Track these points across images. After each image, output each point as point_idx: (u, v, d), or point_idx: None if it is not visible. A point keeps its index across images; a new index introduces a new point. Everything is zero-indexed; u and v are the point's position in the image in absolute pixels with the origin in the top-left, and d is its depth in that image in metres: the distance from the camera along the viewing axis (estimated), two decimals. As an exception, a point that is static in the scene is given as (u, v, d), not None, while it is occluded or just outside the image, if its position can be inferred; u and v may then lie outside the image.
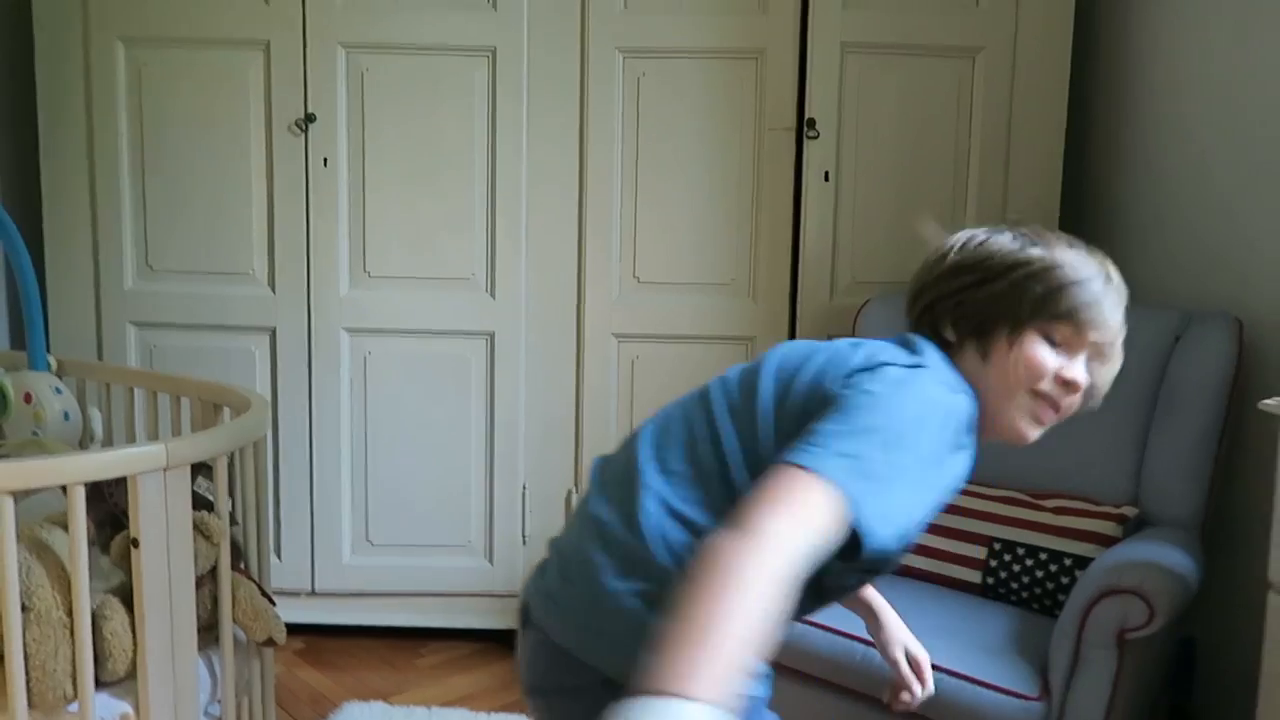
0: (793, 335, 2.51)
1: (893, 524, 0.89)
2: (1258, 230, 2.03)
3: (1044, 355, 1.07)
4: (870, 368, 1.01)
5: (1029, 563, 1.92)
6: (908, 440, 0.93)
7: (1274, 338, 1.96)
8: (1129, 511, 1.91)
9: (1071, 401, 1.09)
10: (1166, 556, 1.66)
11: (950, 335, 1.10)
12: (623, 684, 0.80)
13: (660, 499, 1.01)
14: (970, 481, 2.09)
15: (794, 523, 0.83)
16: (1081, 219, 2.60)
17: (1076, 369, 1.08)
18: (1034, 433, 1.09)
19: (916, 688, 1.26)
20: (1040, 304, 1.07)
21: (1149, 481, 1.95)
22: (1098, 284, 1.11)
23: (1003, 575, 1.94)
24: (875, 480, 0.88)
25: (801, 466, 0.86)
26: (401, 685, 2.39)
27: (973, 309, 1.10)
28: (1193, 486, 1.91)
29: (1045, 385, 1.07)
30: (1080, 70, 2.49)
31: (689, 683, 0.75)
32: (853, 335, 2.33)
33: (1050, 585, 1.89)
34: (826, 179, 2.46)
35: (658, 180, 2.46)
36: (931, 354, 1.08)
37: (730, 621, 0.77)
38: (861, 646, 1.70)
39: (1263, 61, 2.03)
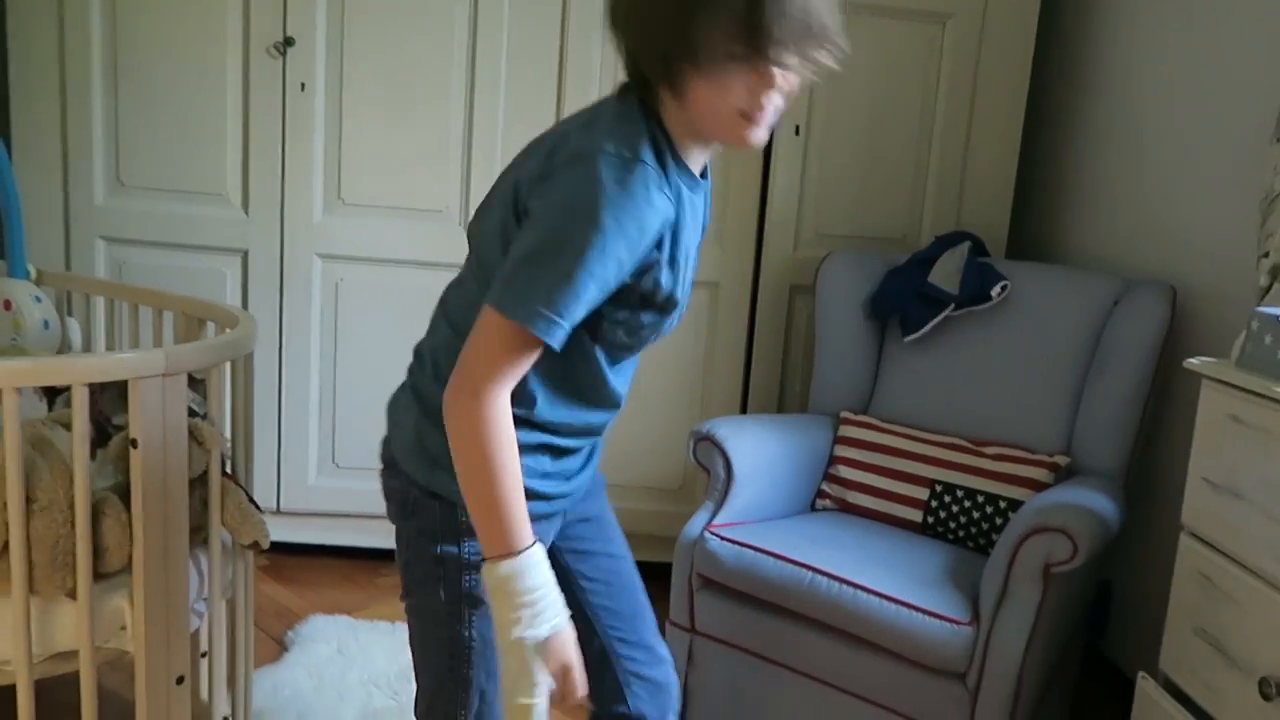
0: (756, 283, 2.61)
1: (551, 306, 1.01)
2: (1195, 204, 2.17)
3: (737, 81, 1.03)
4: (544, 176, 1.06)
5: (967, 504, 2.06)
6: (564, 251, 1.01)
7: (1205, 305, 2.11)
8: (1061, 460, 2.06)
9: (774, 116, 1.07)
10: (1092, 500, 1.81)
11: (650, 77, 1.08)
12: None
13: (443, 303, 1.25)
14: (916, 427, 2.23)
15: (496, 371, 1.04)
16: (1033, 185, 2.74)
17: (774, 89, 1.04)
18: (757, 135, 1.07)
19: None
20: (726, 28, 1.01)
21: (1081, 434, 2.10)
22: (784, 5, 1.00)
23: (942, 515, 2.08)
24: (531, 290, 1.02)
25: (490, 306, 1.04)
26: (363, 602, 2.48)
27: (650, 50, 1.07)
28: (1120, 440, 2.06)
29: (748, 109, 1.05)
30: (1043, 42, 2.60)
31: (501, 546, 1.04)
32: (814, 288, 2.44)
33: (985, 525, 2.04)
34: (797, 133, 2.54)
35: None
36: (613, 123, 1.07)
37: (496, 486, 1.03)
38: (809, 573, 1.83)
39: (1206, 46, 2.16)
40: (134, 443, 1.40)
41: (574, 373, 1.16)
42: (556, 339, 1.03)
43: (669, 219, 1.07)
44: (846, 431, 2.24)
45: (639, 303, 1.11)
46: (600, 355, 1.16)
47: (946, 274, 2.32)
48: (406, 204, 2.55)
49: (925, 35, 2.54)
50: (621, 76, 1.13)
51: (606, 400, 1.21)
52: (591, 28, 2.47)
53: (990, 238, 2.54)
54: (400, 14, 2.47)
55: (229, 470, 1.68)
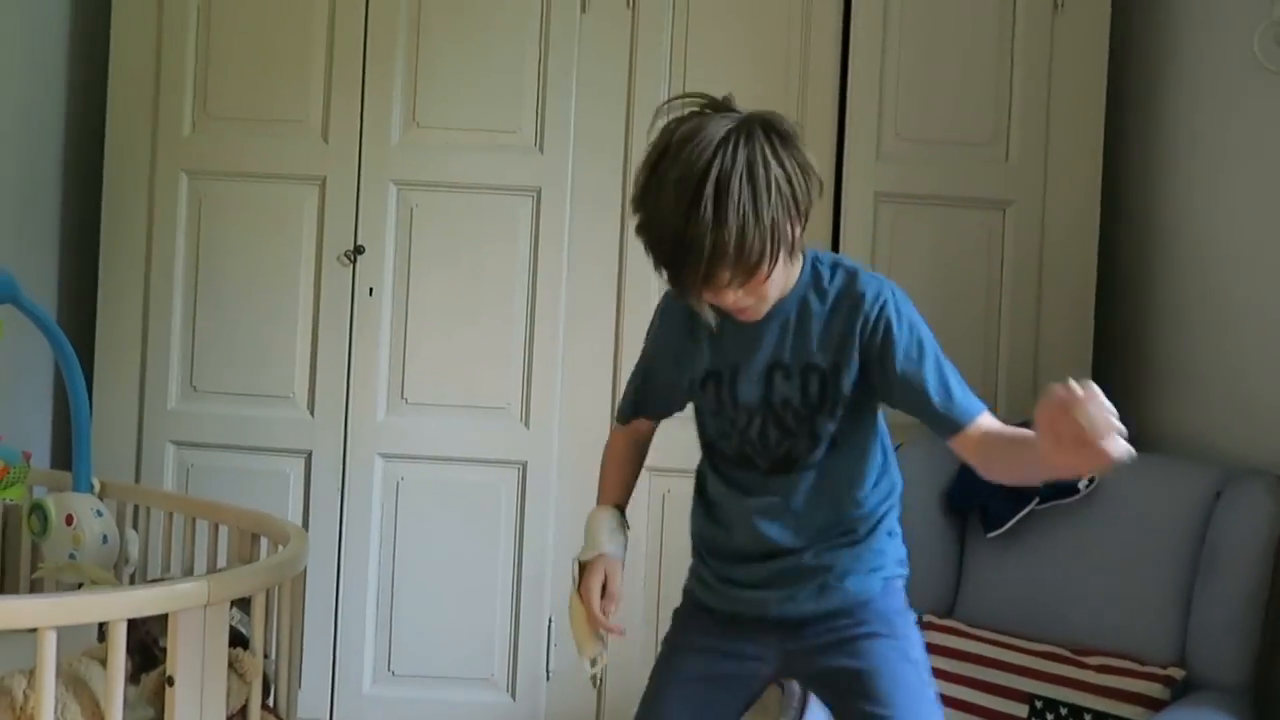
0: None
1: (628, 399, 1.51)
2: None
3: (703, 299, 1.26)
4: None
5: (1072, 724, 1.86)
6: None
7: (1316, 497, 1.94)
8: (1175, 673, 1.87)
9: (740, 304, 1.25)
10: (1217, 726, 1.61)
11: None
12: None
13: None
14: (1007, 633, 2.05)
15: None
16: (1114, 369, 2.62)
17: (723, 298, 1.22)
18: (756, 316, 1.29)
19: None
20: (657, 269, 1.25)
21: (1195, 642, 1.91)
22: (649, 241, 1.21)
23: (1045, 736, 1.88)
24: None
25: None
26: (418, 826, 2.32)
27: None
28: (1240, 650, 1.86)
29: (725, 307, 1.26)
30: (1109, 218, 2.55)
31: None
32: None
33: (1095, 749, 1.83)
34: (861, 321, 2.50)
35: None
36: None
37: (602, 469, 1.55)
38: None
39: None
40: (170, 680, 1.34)
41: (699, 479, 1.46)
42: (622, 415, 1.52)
43: (682, 314, 1.36)
44: (931, 638, 2.07)
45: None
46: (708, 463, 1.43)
47: (1028, 464, 2.19)
48: (468, 401, 2.55)
49: (986, 222, 2.51)
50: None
51: (726, 522, 1.40)
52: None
53: (1072, 424, 2.41)
54: (465, 219, 2.55)
55: (271, 700, 1.60)
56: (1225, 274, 2.28)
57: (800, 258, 1.30)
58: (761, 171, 1.12)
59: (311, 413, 2.56)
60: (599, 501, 1.53)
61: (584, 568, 1.45)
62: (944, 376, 1.30)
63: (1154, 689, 1.84)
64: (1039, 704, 1.90)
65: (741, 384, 1.33)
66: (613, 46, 2.51)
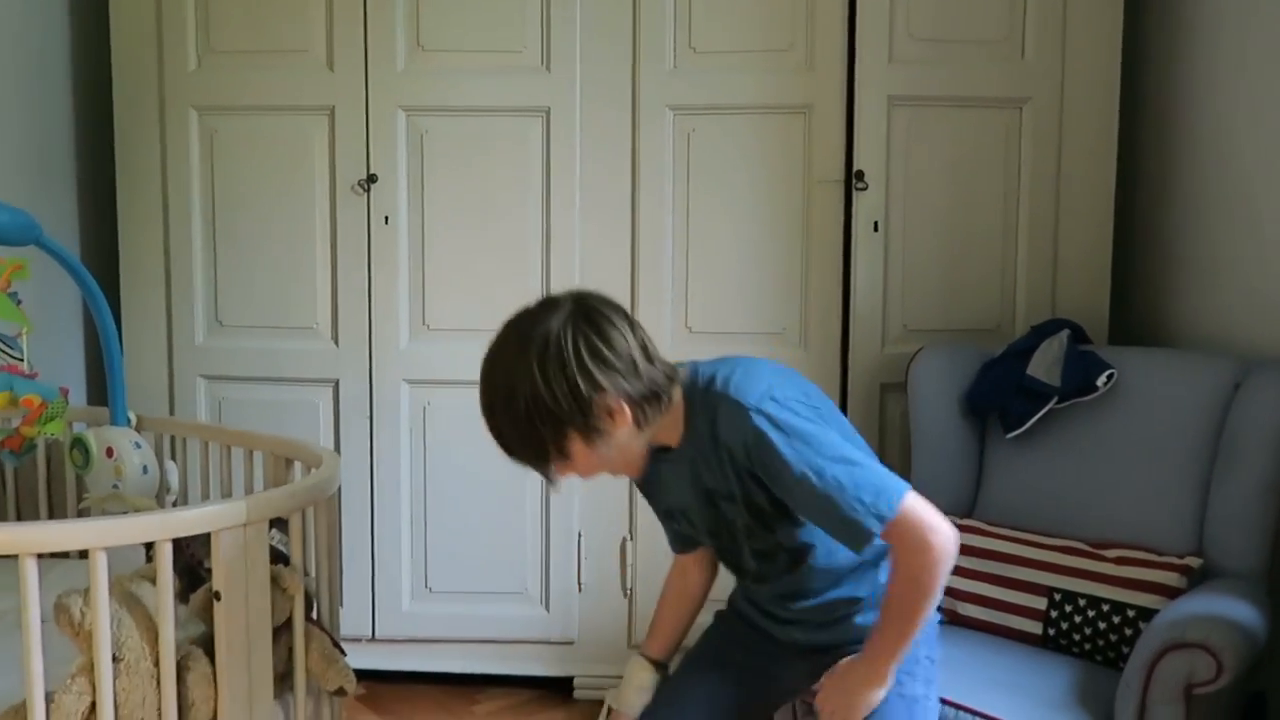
0: (845, 383, 2.53)
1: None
2: (1316, 276, 2.02)
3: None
4: None
5: (1091, 614, 1.90)
6: None
7: (1336, 385, 1.94)
8: (1192, 562, 1.89)
9: (582, 476, 1.35)
10: (1233, 610, 1.65)
11: None
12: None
13: None
14: (1027, 530, 2.08)
15: None
16: (1134, 265, 2.61)
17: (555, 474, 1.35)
18: (619, 475, 1.41)
19: None
20: None
21: (1212, 532, 1.93)
22: None
23: (1064, 626, 1.92)
24: None
25: None
26: (460, 732, 2.42)
27: None
28: (1257, 537, 1.88)
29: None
30: (1129, 115, 2.51)
31: None
32: (906, 386, 2.36)
33: (1113, 637, 1.87)
34: (876, 229, 2.49)
35: (709, 233, 2.51)
36: None
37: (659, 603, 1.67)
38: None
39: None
40: (217, 595, 1.40)
41: None
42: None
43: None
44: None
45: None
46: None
47: (1046, 365, 2.20)
48: (489, 325, 2.54)
49: (1003, 122, 2.48)
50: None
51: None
52: (662, 147, 2.49)
53: (1090, 323, 2.41)
54: (476, 142, 2.54)
55: (314, 614, 1.67)
56: (1246, 166, 2.25)
57: (616, 429, 1.27)
58: (521, 399, 1.26)
59: (336, 342, 2.60)
60: (646, 645, 1.62)
61: (613, 714, 1.60)
62: (835, 496, 1.24)
63: (1171, 578, 1.87)
64: (1058, 596, 1.94)
65: (693, 516, 1.44)
66: (617, -39, 2.46)
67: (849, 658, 1.37)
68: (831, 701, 1.36)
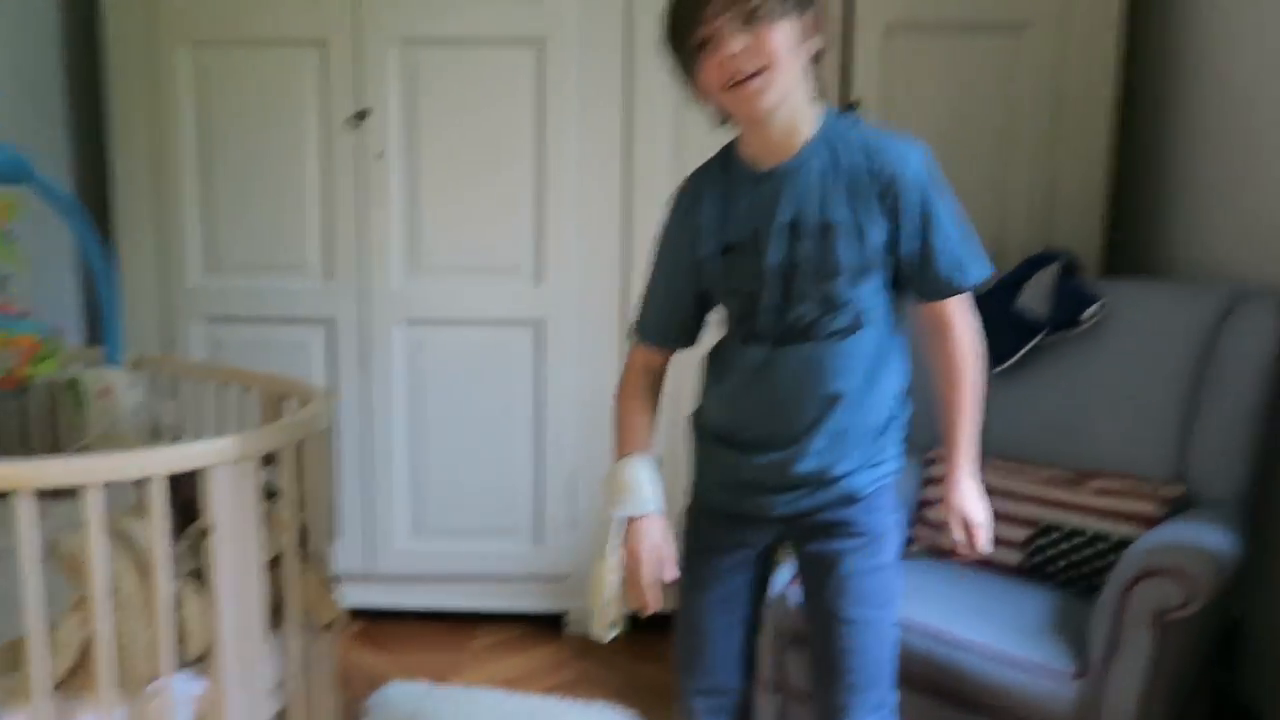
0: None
1: (642, 318, 1.48)
2: (1308, 207, 2.01)
3: (705, 69, 1.26)
4: None
5: (1067, 545, 1.93)
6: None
7: (1324, 316, 1.93)
8: (1173, 491, 1.92)
9: (743, 65, 1.24)
10: (1207, 538, 1.67)
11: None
12: None
13: None
14: (1012, 459, 2.10)
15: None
16: (1131, 191, 2.58)
17: (724, 54, 1.23)
18: (759, 104, 1.26)
19: (965, 551, 1.42)
20: (668, 43, 1.30)
21: (1194, 460, 1.95)
22: None
23: (1045, 556, 1.96)
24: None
25: None
26: (456, 666, 2.48)
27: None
28: (1238, 465, 1.90)
29: (724, 78, 1.25)
30: (1131, 40, 2.46)
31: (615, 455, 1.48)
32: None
33: (1089, 568, 1.90)
34: (869, 161, 2.46)
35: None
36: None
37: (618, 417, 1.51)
38: (945, 646, 1.73)
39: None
40: (209, 531, 1.43)
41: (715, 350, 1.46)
42: (634, 333, 1.49)
43: (680, 214, 1.40)
44: (936, 471, 2.14)
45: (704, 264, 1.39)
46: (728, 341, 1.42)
47: (1036, 297, 2.20)
48: (482, 263, 2.58)
49: (1003, 47, 2.43)
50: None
51: (745, 403, 1.40)
52: (657, 81, 2.46)
53: (1085, 253, 2.40)
54: (469, 76, 2.51)
55: (306, 550, 1.71)
56: (1247, 95, 2.21)
57: (810, 67, 1.29)
58: None
59: (329, 281, 2.61)
60: (623, 452, 1.43)
61: (629, 526, 1.38)
62: (957, 240, 1.34)
63: (1151, 507, 1.89)
64: (1039, 527, 1.97)
65: (763, 248, 1.31)
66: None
67: (951, 479, 1.40)
68: (966, 518, 1.39)
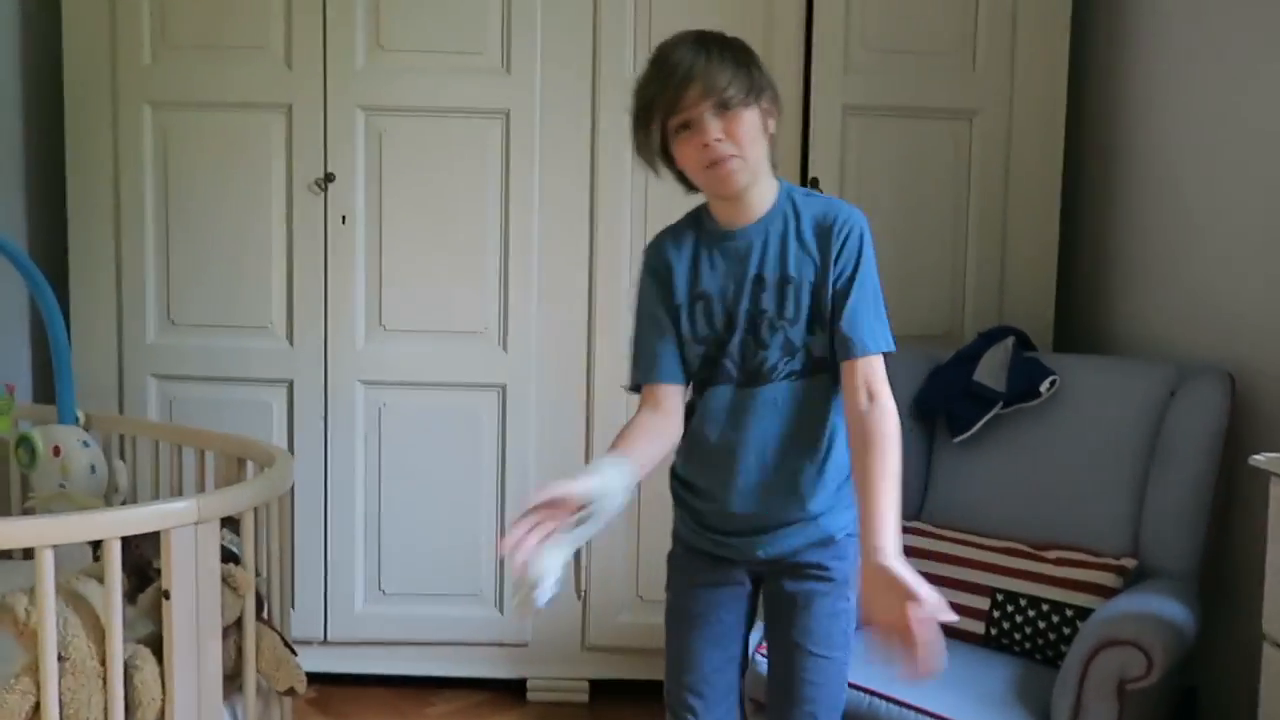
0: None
1: (634, 368, 1.51)
2: (1249, 285, 2.10)
3: (684, 149, 1.38)
4: None
5: (1031, 613, 1.96)
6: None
7: (1267, 391, 2.01)
8: (1128, 563, 1.96)
9: (722, 150, 1.36)
10: (1164, 608, 1.71)
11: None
12: None
13: None
14: (972, 532, 2.13)
15: None
16: (1076, 274, 2.68)
17: (703, 138, 1.36)
18: (733, 183, 1.40)
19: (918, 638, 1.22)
20: (638, 119, 1.41)
21: (1147, 533, 2.00)
22: (646, 75, 1.41)
23: (1006, 626, 1.98)
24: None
25: None
26: (412, 734, 2.42)
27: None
28: (1189, 539, 1.95)
29: (704, 160, 1.37)
30: (1073, 122, 2.58)
31: None
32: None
33: (1053, 636, 1.93)
34: (829, 236, 2.53)
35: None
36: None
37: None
38: (867, 696, 1.73)
39: (1252, 118, 2.11)
40: (166, 594, 1.39)
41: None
42: (633, 386, 1.51)
43: (655, 267, 1.49)
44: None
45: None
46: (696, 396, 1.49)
47: (992, 371, 2.26)
48: (446, 327, 2.58)
49: (953, 133, 2.54)
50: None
51: (711, 453, 1.47)
52: (621, 148, 2.50)
53: (1036, 330, 2.48)
54: (435, 143, 2.54)
55: (265, 614, 1.67)
56: (1187, 177, 2.33)
57: (768, 146, 1.42)
58: (745, 46, 1.41)
59: (291, 342, 2.59)
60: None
61: None
62: (871, 305, 1.42)
63: (1107, 578, 1.93)
64: (1000, 597, 1.99)
65: (728, 299, 1.44)
66: (575, -37, 2.48)
67: (881, 551, 1.24)
68: (910, 592, 1.20)
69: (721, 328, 1.45)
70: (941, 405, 2.28)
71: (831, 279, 1.41)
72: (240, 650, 1.55)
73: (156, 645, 1.45)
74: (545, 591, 1.19)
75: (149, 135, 2.56)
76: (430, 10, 2.51)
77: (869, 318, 1.41)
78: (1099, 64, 2.62)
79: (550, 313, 2.56)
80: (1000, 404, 2.20)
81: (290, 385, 2.59)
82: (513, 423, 2.58)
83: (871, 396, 1.38)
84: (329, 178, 2.54)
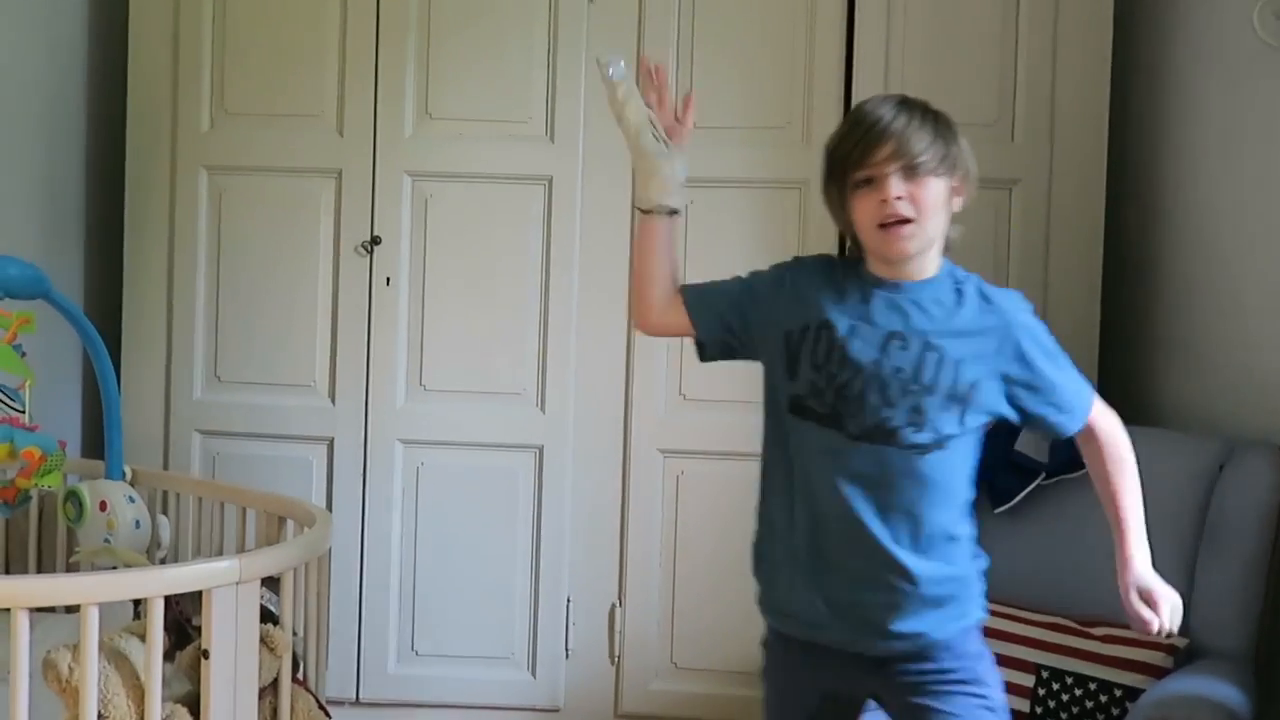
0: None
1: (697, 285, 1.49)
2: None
3: (861, 204, 1.35)
4: None
5: (1078, 692, 1.90)
6: None
7: (1319, 468, 1.97)
8: (1178, 642, 1.90)
9: (899, 209, 1.33)
10: (1216, 691, 1.65)
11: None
12: None
13: None
14: (1015, 605, 2.09)
15: None
16: (1120, 346, 2.65)
17: (886, 191, 1.32)
18: (903, 247, 1.36)
19: (1153, 623, 1.44)
20: (828, 173, 1.39)
21: (1198, 611, 1.94)
22: (840, 130, 1.40)
23: (1051, 705, 1.92)
24: None
25: None
26: (443, 799, 2.38)
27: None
28: (1242, 617, 1.90)
29: (879, 217, 1.33)
30: (1115, 199, 2.57)
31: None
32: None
33: (1101, 716, 1.87)
34: (868, 303, 2.53)
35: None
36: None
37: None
38: None
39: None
40: (206, 653, 1.40)
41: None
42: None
43: (792, 268, 1.46)
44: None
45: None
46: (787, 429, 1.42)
47: (1035, 442, 2.23)
48: (485, 388, 2.61)
49: (993, 202, 2.54)
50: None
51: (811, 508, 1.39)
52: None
53: (1079, 400, 2.44)
54: (479, 208, 2.59)
55: (300, 674, 1.67)
56: (1229, 250, 2.31)
57: (947, 223, 1.40)
58: (948, 120, 1.39)
59: (333, 401, 2.63)
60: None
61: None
62: (1067, 371, 1.45)
63: (1157, 657, 1.87)
64: (1045, 674, 1.94)
65: (857, 341, 1.36)
66: (620, 34, 2.54)
67: (1130, 556, 1.46)
68: (1150, 592, 1.44)
69: (842, 370, 1.36)
70: (983, 475, 2.24)
71: (1012, 362, 1.39)
72: (275, 711, 1.55)
73: (193, 704, 1.46)
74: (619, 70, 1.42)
75: (204, 198, 2.64)
76: (477, 80, 2.58)
77: (1082, 382, 1.46)
78: (1140, 133, 2.62)
79: (588, 375, 2.57)
80: (1043, 475, 2.17)
81: (330, 443, 2.62)
82: (549, 483, 2.58)
83: (1105, 426, 1.49)
84: (375, 240, 2.60)
